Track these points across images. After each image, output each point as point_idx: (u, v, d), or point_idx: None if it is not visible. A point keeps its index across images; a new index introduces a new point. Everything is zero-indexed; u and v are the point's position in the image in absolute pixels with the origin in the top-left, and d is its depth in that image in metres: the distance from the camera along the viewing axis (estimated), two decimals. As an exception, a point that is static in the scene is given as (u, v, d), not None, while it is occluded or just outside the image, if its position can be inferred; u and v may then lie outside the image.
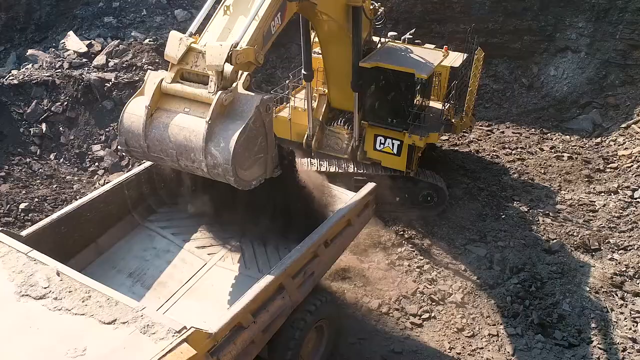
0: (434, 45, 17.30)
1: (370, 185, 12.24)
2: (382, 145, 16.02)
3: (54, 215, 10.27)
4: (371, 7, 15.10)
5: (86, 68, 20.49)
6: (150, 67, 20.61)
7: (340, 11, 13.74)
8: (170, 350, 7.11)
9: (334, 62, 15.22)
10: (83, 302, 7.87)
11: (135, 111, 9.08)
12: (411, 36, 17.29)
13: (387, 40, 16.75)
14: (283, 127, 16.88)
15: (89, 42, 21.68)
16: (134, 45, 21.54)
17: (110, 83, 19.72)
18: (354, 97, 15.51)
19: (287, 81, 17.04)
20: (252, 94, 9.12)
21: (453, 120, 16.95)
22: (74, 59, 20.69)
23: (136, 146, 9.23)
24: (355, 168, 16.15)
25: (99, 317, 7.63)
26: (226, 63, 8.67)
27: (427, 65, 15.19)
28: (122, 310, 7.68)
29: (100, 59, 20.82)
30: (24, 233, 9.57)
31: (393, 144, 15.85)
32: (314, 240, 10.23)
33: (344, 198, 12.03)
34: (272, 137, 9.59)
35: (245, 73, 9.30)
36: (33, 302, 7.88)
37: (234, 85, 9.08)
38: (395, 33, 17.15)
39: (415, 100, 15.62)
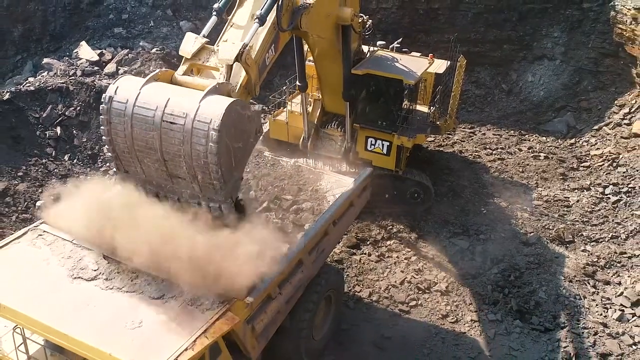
0: (419, 54, 17.32)
1: (367, 170, 12.73)
2: (372, 146, 16.05)
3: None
4: (360, 20, 15.09)
5: (98, 75, 20.49)
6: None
7: (330, 30, 13.67)
8: (218, 319, 7.63)
9: (327, 73, 15.20)
10: (132, 281, 8.17)
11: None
12: (399, 45, 17.30)
13: (376, 49, 16.76)
14: (281, 130, 16.95)
15: (100, 51, 21.67)
16: (142, 54, 21.54)
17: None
18: (345, 104, 15.51)
19: (284, 87, 17.02)
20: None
21: (438, 123, 16.99)
22: (87, 67, 20.68)
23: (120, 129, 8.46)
24: (348, 168, 16.16)
25: (148, 294, 7.96)
26: (236, 62, 8.83)
27: (414, 72, 15.26)
28: (169, 286, 8.00)
29: (110, 67, 20.81)
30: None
31: (383, 145, 15.90)
32: (325, 219, 10.69)
33: (344, 183, 12.24)
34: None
35: (242, 81, 9.27)
36: (86, 283, 8.18)
37: (237, 84, 9.14)
38: (384, 42, 17.15)
39: (403, 104, 15.66)
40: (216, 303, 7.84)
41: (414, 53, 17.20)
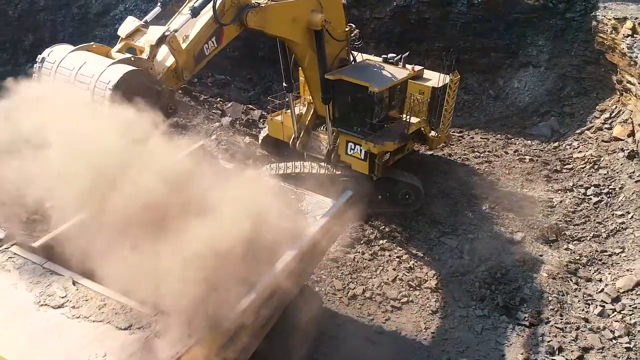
0: (420, 67, 17.09)
1: (347, 193, 11.39)
2: (352, 151, 15.78)
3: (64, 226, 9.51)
4: (347, 29, 15.02)
5: (104, 82, 20.37)
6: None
7: (302, 34, 13.71)
8: (185, 353, 7.00)
9: (309, 77, 15.20)
10: (100, 309, 7.63)
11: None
12: (397, 57, 17.11)
13: (365, 59, 16.51)
14: (277, 129, 17.20)
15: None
16: (146, 62, 21.44)
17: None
18: (325, 107, 15.44)
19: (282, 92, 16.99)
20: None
21: (431, 135, 16.79)
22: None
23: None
24: (342, 170, 16.16)
25: (115, 324, 7.41)
26: (162, 44, 9.43)
27: (383, 81, 14.91)
28: (136, 316, 7.45)
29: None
30: (36, 244, 9.06)
31: (361, 150, 15.58)
32: (301, 246, 9.56)
33: (324, 205, 11.02)
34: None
35: (170, 64, 9.70)
36: (52, 311, 7.62)
37: (163, 67, 9.67)
38: (395, 54, 16.80)
39: (374, 112, 15.21)
40: (185, 334, 7.18)
41: (416, 66, 16.76)
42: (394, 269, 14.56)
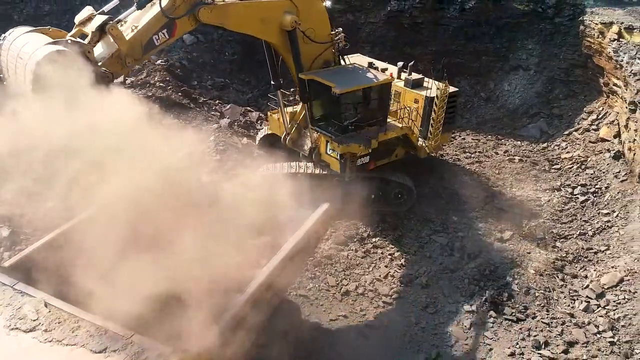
0: (421, 75, 16.96)
1: (324, 206, 11.15)
2: (330, 150, 15.72)
3: (35, 245, 9.21)
4: (332, 32, 14.99)
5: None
6: (161, 84, 20.62)
7: (276, 34, 13.83)
8: None
9: (294, 75, 15.21)
10: (73, 332, 7.15)
11: None
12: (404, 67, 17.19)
13: (351, 63, 16.12)
14: (276, 126, 17.35)
15: (109, 62, 21.63)
16: (148, 66, 21.49)
17: (127, 98, 19.64)
18: (305, 106, 15.44)
19: (292, 89, 16.90)
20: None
21: (420, 144, 16.64)
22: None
23: None
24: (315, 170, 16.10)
25: (90, 347, 6.94)
26: (104, 32, 10.05)
27: (349, 83, 14.67)
28: (112, 338, 7.00)
29: (118, 78, 20.75)
30: (7, 264, 8.69)
31: (335, 150, 15.47)
32: (278, 260, 9.37)
33: (302, 216, 10.83)
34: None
35: (114, 51, 10.18)
36: (23, 335, 7.15)
37: (108, 53, 10.20)
38: (403, 63, 16.82)
39: (341, 113, 15.04)
40: (162, 357, 6.81)
41: (415, 75, 16.72)
42: (386, 266, 14.63)
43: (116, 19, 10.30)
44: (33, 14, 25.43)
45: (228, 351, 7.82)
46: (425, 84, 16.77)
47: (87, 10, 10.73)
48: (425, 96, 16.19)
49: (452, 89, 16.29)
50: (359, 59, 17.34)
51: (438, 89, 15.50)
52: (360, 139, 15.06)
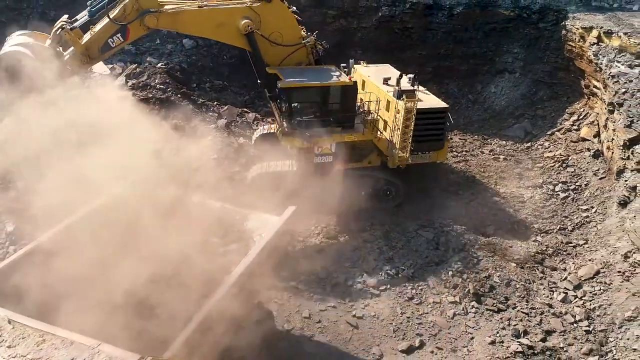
0: (424, 88, 16.82)
1: (290, 209, 10.63)
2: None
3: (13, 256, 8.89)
4: (302, 35, 15.25)
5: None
6: (162, 86, 20.77)
7: (237, 37, 14.58)
8: None
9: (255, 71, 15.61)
10: (38, 346, 6.79)
11: None
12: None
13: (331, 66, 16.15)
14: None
15: (111, 66, 21.80)
16: (148, 69, 21.65)
17: (129, 100, 19.83)
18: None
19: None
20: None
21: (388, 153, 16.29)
22: (99, 80, 20.77)
23: None
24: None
25: (55, 359, 6.62)
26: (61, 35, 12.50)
27: (296, 79, 14.69)
28: (78, 349, 6.67)
29: (120, 80, 20.96)
30: None
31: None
32: (246, 265, 8.99)
33: (268, 222, 10.34)
34: None
35: (73, 51, 12.71)
36: None
37: (64, 56, 12.70)
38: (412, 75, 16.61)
39: (289, 108, 15.09)
40: None
41: (421, 88, 16.56)
42: (375, 259, 14.74)
43: (71, 25, 12.60)
44: (39, 19, 25.58)
45: (196, 358, 7.58)
46: (416, 96, 15.57)
47: (62, 19, 12.80)
48: (407, 107, 15.30)
49: (439, 104, 15.94)
50: (386, 69, 17.48)
51: (409, 102, 14.95)
52: (305, 136, 15.12)
